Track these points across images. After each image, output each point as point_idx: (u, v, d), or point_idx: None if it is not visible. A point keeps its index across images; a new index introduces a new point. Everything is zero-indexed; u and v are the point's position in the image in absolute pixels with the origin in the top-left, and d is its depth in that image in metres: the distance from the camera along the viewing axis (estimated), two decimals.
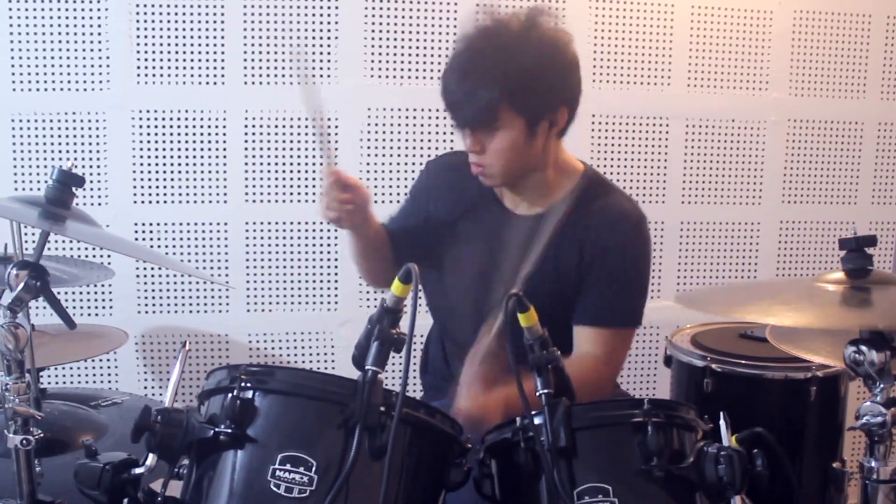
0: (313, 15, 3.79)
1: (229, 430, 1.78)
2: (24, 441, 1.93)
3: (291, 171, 3.85)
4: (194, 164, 3.81)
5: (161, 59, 3.75)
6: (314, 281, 3.92)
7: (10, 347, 1.88)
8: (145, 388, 3.89)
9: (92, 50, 3.72)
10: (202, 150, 3.81)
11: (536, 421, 1.89)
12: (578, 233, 2.64)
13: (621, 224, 2.69)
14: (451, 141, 3.86)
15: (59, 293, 2.00)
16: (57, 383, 3.77)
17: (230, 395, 1.82)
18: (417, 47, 3.86)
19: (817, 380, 2.98)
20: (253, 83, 3.80)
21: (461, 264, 2.72)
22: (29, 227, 2.85)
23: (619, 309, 2.68)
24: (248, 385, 1.83)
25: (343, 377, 1.84)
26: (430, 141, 3.89)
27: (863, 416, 1.97)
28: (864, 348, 1.95)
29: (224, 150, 3.82)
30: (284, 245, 3.89)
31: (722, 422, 1.94)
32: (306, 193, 3.87)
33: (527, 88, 2.46)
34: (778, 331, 2.82)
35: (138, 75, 3.75)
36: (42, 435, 1.97)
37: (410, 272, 1.80)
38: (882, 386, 1.95)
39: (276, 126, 3.82)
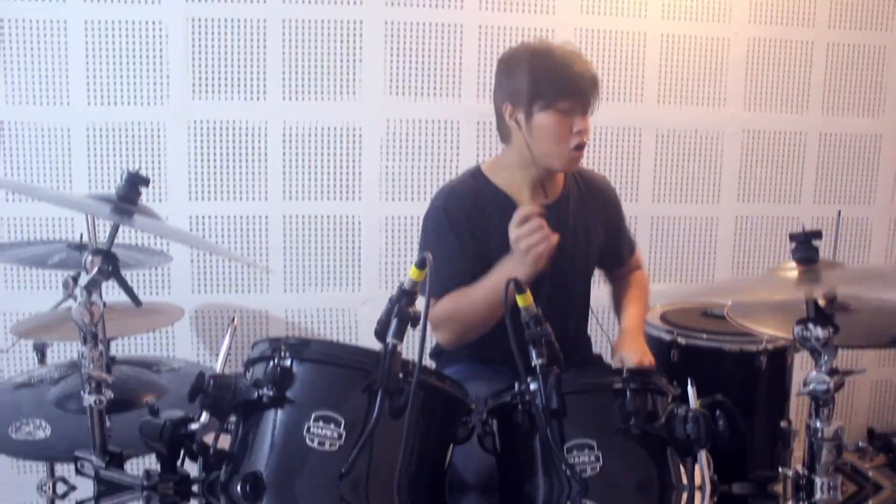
0: (341, 41, 3.78)
1: (271, 393, 1.80)
2: (98, 401, 1.93)
3: (322, 173, 3.84)
4: (240, 167, 3.80)
5: (212, 78, 3.74)
6: (340, 266, 3.91)
7: (86, 322, 1.88)
8: (198, 355, 3.88)
9: (154, 70, 3.71)
10: (247, 155, 3.80)
11: (532, 387, 1.90)
12: (596, 203, 2.91)
13: (607, 185, 3.03)
14: (458, 148, 3.88)
15: (125, 275, 1.99)
16: (124, 352, 3.76)
17: (272, 362, 1.84)
18: (433, 65, 3.85)
19: (767, 352, 2.95)
20: (290, 99, 3.78)
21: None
22: (101, 219, 2.84)
23: (632, 239, 3.14)
24: (287, 354, 1.84)
25: (367, 348, 1.84)
26: (445, 150, 3.88)
27: (809, 384, 1.97)
28: (810, 325, 1.95)
29: (265, 155, 3.81)
30: (316, 235, 3.87)
31: (689, 388, 1.94)
32: (334, 192, 3.86)
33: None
34: (735, 309, 2.81)
35: (193, 92, 3.74)
36: (112, 396, 1.96)
37: (425, 260, 1.80)
38: (826, 358, 1.94)
39: (309, 135, 3.81)
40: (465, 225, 2.65)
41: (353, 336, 3.96)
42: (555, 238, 2.41)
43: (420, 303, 1.83)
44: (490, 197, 2.70)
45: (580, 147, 2.60)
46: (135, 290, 2.05)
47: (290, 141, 3.82)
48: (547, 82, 2.55)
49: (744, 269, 4.19)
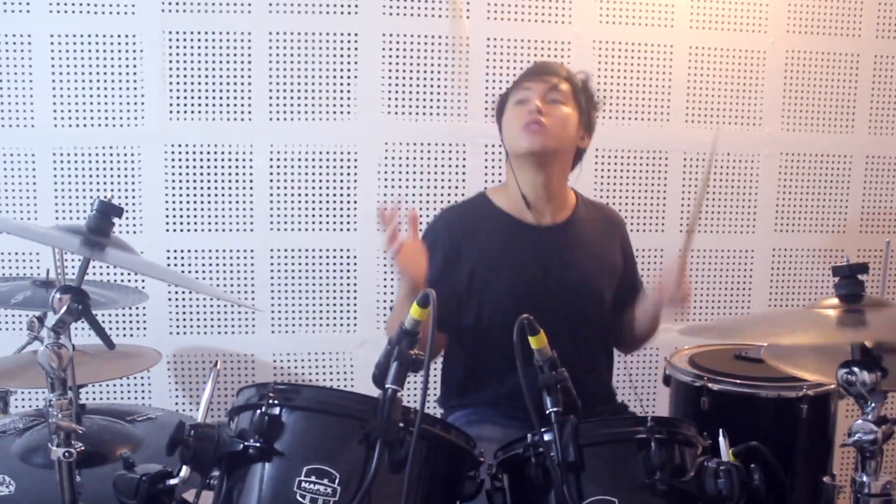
0: (334, 55, 3.82)
1: (258, 444, 1.81)
2: (67, 454, 1.94)
3: (313, 202, 3.87)
4: (223, 195, 3.83)
5: (192, 97, 3.78)
6: (334, 304, 3.93)
7: (53, 366, 1.89)
8: (176, 403, 3.89)
9: (127, 88, 3.76)
10: (230, 181, 3.83)
11: (546, 437, 1.91)
12: (612, 231, 3.02)
13: (621, 218, 3.12)
14: (463, 173, 3.90)
15: (97, 315, 2.02)
16: (95, 399, 3.78)
17: (259, 411, 1.84)
18: (431, 86, 3.88)
19: (808, 398, 2.96)
20: (278, 119, 3.82)
21: (510, 284, 2.78)
22: (70, 253, 2.87)
23: (640, 279, 3.15)
24: (276, 402, 1.85)
25: (365, 395, 1.85)
26: (442, 173, 3.90)
27: (855, 434, 1.97)
28: (855, 369, 1.95)
29: (251, 181, 3.84)
30: (306, 270, 3.90)
31: (721, 438, 1.95)
32: (327, 222, 3.88)
33: (582, 87, 2.86)
34: (773, 351, 2.82)
35: (170, 112, 3.79)
36: (82, 448, 1.97)
37: (428, 297, 1.81)
38: (873, 405, 1.95)
39: (299, 159, 3.85)
40: (449, 245, 2.81)
41: (348, 381, 3.97)
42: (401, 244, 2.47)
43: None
44: (490, 218, 2.86)
45: (532, 123, 2.74)
46: (107, 331, 2.07)
47: (278, 166, 3.85)
48: (513, 85, 2.88)
49: (782, 306, 4.20)
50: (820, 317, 2.12)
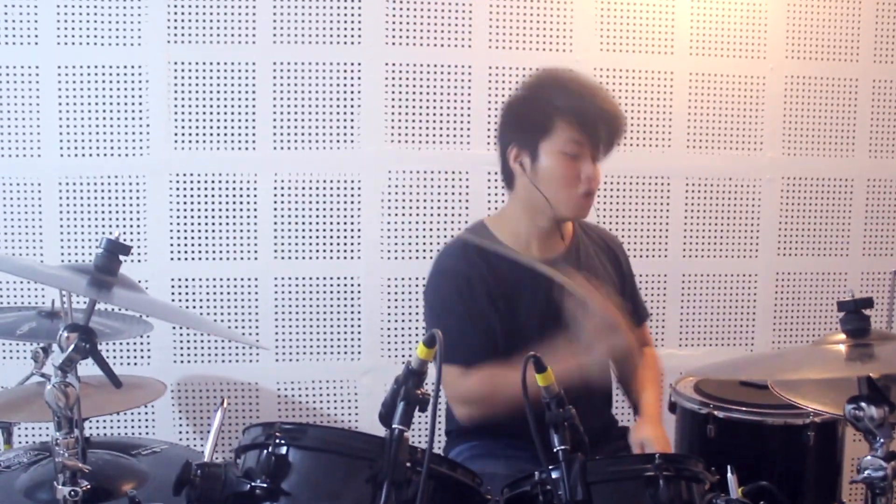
0: (338, 85, 3.82)
1: (264, 485, 1.78)
2: (73, 493, 1.91)
3: (317, 230, 3.86)
4: (227, 224, 3.83)
5: (197, 127, 3.78)
6: (338, 332, 3.91)
7: (60, 405, 1.87)
8: (180, 433, 3.88)
9: (133, 118, 3.76)
10: (235, 210, 3.83)
11: (554, 475, 1.88)
12: (609, 257, 2.95)
13: (618, 242, 3.07)
14: (467, 202, 3.90)
15: (100, 345, 1.99)
16: (99, 431, 3.76)
17: (265, 451, 1.82)
18: (439, 110, 3.89)
19: (815, 425, 2.94)
20: (282, 148, 3.82)
21: (532, 324, 2.68)
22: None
23: (644, 305, 3.11)
24: (282, 441, 1.83)
25: (371, 435, 1.83)
26: (446, 201, 3.90)
27: (864, 470, 1.95)
28: (863, 404, 1.94)
29: (255, 210, 3.84)
30: (311, 299, 3.89)
31: (729, 474, 1.93)
32: (331, 251, 3.88)
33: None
34: (779, 381, 2.80)
35: (175, 141, 3.79)
36: (88, 486, 1.95)
37: (434, 337, 1.79)
38: (882, 440, 1.93)
39: (303, 188, 3.84)
40: (471, 286, 2.68)
41: (352, 410, 3.95)
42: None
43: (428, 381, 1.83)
44: (499, 254, 2.71)
45: (589, 194, 2.66)
46: (109, 359, 2.04)
47: (282, 194, 3.85)
48: (562, 109, 2.61)
49: (786, 330, 4.19)
50: (827, 352, 2.11)
